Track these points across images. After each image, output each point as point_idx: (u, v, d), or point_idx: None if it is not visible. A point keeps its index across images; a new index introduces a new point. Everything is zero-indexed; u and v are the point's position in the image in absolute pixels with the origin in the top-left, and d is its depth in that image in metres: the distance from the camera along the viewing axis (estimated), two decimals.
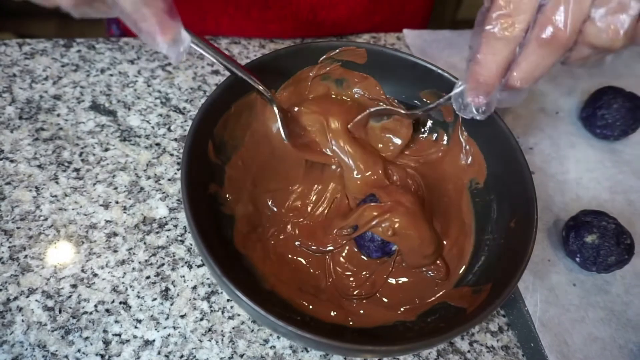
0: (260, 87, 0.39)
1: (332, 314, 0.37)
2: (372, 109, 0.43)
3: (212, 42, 0.37)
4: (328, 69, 0.45)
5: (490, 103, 0.32)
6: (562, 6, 0.27)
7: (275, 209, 0.42)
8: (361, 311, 0.38)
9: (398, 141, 0.45)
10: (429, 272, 0.40)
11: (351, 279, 0.40)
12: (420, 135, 0.46)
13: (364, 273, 0.40)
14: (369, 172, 0.42)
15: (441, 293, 0.39)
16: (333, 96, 0.46)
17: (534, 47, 0.29)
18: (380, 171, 0.43)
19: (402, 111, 0.43)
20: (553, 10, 0.27)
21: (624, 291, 0.43)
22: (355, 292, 0.39)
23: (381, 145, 0.45)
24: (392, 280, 0.40)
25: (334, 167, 0.44)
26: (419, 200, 0.40)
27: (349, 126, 0.44)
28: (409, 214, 0.38)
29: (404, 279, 0.41)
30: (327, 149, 0.43)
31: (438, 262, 0.40)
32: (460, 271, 0.40)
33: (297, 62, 0.43)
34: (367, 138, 0.45)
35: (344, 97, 0.46)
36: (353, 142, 0.43)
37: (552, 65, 0.30)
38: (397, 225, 0.38)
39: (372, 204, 0.39)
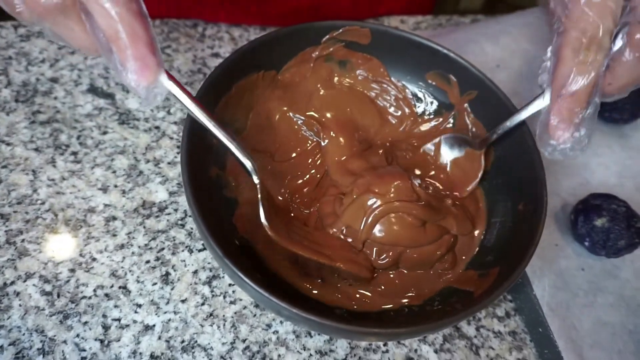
0: (243, 159, 0.34)
1: (337, 296, 0.36)
2: (443, 136, 0.43)
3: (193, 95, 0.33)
4: (331, 49, 0.43)
5: (580, 137, 0.32)
6: None
7: (279, 193, 0.41)
8: (360, 296, 0.38)
9: (473, 180, 0.41)
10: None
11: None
12: (426, 117, 0.45)
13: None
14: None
15: (446, 278, 0.39)
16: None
17: (629, 55, 0.30)
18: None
19: (475, 141, 0.41)
20: None
21: (634, 276, 0.42)
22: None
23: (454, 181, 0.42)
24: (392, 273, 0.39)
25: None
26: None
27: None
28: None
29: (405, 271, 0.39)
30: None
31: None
32: (469, 257, 0.39)
33: (299, 42, 0.42)
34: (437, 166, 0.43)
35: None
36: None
37: None
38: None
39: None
